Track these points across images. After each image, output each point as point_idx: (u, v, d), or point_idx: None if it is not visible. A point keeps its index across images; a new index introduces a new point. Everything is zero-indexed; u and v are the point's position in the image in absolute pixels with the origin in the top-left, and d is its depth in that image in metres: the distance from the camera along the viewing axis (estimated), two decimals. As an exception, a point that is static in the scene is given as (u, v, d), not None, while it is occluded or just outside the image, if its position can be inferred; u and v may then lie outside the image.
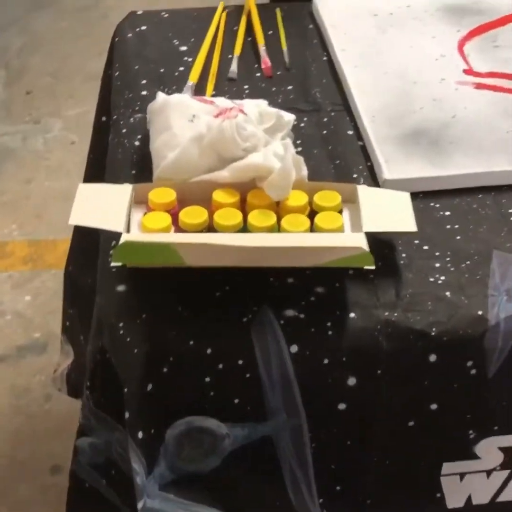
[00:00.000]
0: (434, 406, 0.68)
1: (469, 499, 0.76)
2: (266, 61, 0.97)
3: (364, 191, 0.74)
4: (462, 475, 0.74)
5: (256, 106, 0.81)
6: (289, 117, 0.82)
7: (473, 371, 0.67)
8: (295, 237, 0.67)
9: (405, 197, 0.73)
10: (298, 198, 0.72)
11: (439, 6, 1.05)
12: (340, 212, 0.72)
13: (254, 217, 0.70)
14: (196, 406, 0.66)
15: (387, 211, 0.72)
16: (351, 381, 0.66)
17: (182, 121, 0.78)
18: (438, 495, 0.74)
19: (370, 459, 0.71)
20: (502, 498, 0.76)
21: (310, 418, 0.68)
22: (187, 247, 0.64)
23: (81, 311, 1.12)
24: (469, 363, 0.67)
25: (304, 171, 0.75)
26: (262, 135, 0.75)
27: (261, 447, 0.69)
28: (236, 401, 0.66)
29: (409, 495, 0.75)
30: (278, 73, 0.96)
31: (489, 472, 0.74)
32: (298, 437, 0.68)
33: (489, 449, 0.72)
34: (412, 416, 0.69)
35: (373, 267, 0.65)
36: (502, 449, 0.72)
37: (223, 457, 0.69)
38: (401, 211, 0.71)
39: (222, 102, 0.80)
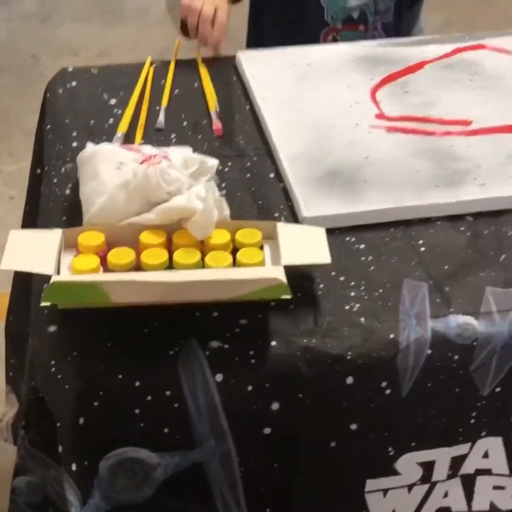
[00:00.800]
0: (354, 426, 0.72)
1: (393, 514, 0.80)
2: (217, 123, 1.01)
3: (283, 228, 0.79)
4: (385, 491, 0.77)
5: (181, 153, 0.86)
6: (212, 162, 0.87)
7: (388, 391, 0.71)
8: (216, 272, 0.72)
9: (321, 232, 0.78)
10: (221, 236, 0.77)
11: (353, 57, 1.13)
12: (261, 247, 0.77)
13: (179, 256, 0.74)
14: (127, 437, 0.69)
15: (304, 245, 0.77)
16: (275, 406, 0.70)
17: (110, 169, 0.82)
18: (364, 512, 0.78)
19: (297, 481, 0.75)
20: (424, 511, 0.80)
21: (237, 443, 0.71)
22: (112, 285, 0.67)
23: (21, 360, 1.14)
24: (384, 384, 0.71)
25: (226, 211, 0.80)
26: (186, 179, 0.80)
27: (192, 474, 0.72)
28: (165, 430, 0.69)
29: (337, 514, 0.78)
30: (204, 122, 1.02)
31: (410, 487, 0.78)
32: (227, 462, 0.72)
33: (409, 465, 0.76)
34: (334, 437, 0.73)
35: (289, 297, 0.70)
36: (420, 464, 0.76)
37: (156, 486, 0.72)
38: (317, 244, 0.77)
39: (148, 149, 0.85)
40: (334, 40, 1.30)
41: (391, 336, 0.72)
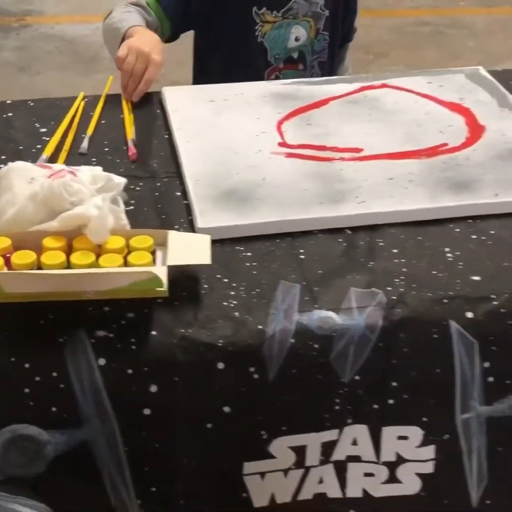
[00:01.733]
0: (227, 409, 0.81)
1: (273, 498, 0.87)
2: (132, 148, 1.11)
3: (173, 236, 0.88)
4: (262, 475, 0.85)
5: (90, 171, 0.96)
6: (119, 180, 0.96)
7: (256, 376, 0.80)
8: (104, 269, 0.81)
9: (206, 238, 0.87)
10: (116, 242, 0.86)
11: (266, 93, 1.24)
12: (154, 252, 0.87)
13: (76, 257, 0.83)
14: (18, 415, 0.77)
15: (190, 249, 0.86)
16: (153, 388, 0.78)
17: (22, 183, 0.92)
18: (244, 494, 0.86)
19: (178, 461, 0.82)
20: (302, 496, 0.87)
21: (120, 423, 0.79)
22: (5, 276, 0.77)
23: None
24: (252, 369, 0.80)
25: (124, 221, 0.90)
26: (87, 191, 0.89)
27: (81, 452, 0.80)
28: (53, 409, 0.77)
29: (218, 495, 0.86)
30: (123, 148, 1.12)
31: (285, 471, 0.86)
32: (112, 441, 0.80)
33: (282, 449, 0.84)
34: (209, 419, 0.81)
35: (164, 290, 0.79)
36: (292, 448, 0.84)
37: (47, 463, 0.79)
38: (201, 249, 0.86)
39: (58, 166, 0.95)
40: (277, 78, 1.44)
41: (260, 327, 0.80)
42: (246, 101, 1.23)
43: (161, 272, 0.79)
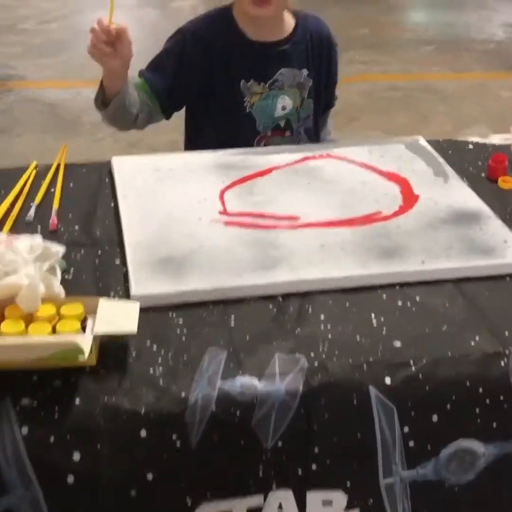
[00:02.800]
0: (150, 476, 0.82)
1: None
2: (54, 218, 1.15)
3: (103, 303, 0.91)
4: (187, 541, 0.86)
5: (29, 239, 0.98)
6: (57, 248, 0.99)
7: (178, 443, 0.82)
8: (23, 338, 0.83)
9: (135, 306, 0.90)
10: (47, 310, 0.88)
11: (211, 163, 1.29)
12: (85, 319, 0.89)
13: (5, 325, 0.86)
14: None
15: (118, 317, 0.89)
16: (76, 456, 0.80)
17: (-39, 253, 0.94)
18: (172, 562, 0.86)
19: (102, 528, 0.83)
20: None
21: (44, 491, 0.80)
22: None
23: None
24: (174, 436, 0.81)
25: (57, 289, 0.92)
26: (22, 260, 0.92)
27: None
28: (-24, 477, 0.78)
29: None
30: (70, 215, 1.16)
31: (211, 538, 0.86)
32: (37, 509, 0.80)
33: (207, 515, 0.85)
34: (132, 486, 0.82)
35: (86, 358, 0.81)
36: (218, 515, 0.85)
37: (-30, 532, 0.80)
38: (130, 317, 0.88)
39: (-2, 236, 0.98)
40: (265, 145, 1.49)
41: (182, 394, 0.82)
42: (191, 170, 1.27)
43: (84, 341, 0.82)
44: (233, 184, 1.23)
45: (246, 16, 1.43)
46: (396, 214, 1.15)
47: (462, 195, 1.20)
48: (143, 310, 0.90)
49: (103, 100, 1.40)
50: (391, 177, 1.25)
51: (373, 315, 0.95)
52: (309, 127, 1.53)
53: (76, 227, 1.13)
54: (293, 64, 1.48)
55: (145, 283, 0.99)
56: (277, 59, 1.47)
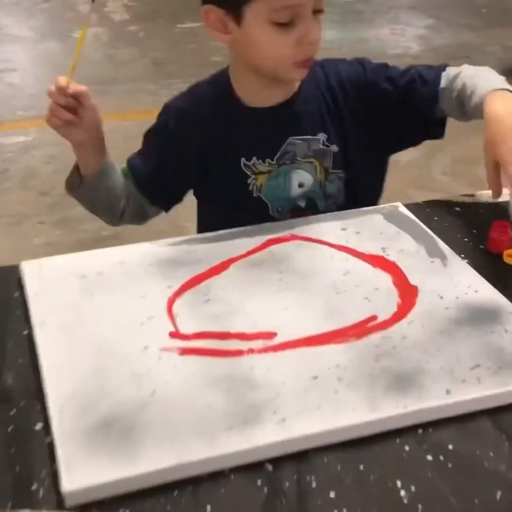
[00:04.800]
0: None
1: None
2: None
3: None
4: None
5: None
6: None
7: None
8: None
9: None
10: None
11: (153, 260, 1.02)
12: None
13: None
14: None
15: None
16: None
17: None
18: None
19: None
20: None
21: None
22: None
23: None
24: None
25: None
26: None
27: None
28: None
29: None
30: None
31: None
32: None
33: None
34: None
35: None
36: None
37: None
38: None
39: None
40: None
41: None
42: (127, 272, 1.00)
43: None
44: (182, 289, 0.96)
45: (246, 77, 1.13)
46: (396, 317, 0.90)
47: (468, 281, 0.96)
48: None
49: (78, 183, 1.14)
50: (377, 262, 1.01)
51: (399, 483, 0.70)
52: (341, 203, 1.19)
53: (-22, 373, 0.85)
54: (304, 129, 1.15)
55: (79, 468, 0.70)
56: (282, 126, 1.15)
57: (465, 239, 1.09)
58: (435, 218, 1.14)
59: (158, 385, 0.80)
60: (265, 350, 0.85)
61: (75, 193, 1.15)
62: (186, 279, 0.98)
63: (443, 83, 1.13)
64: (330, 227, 1.09)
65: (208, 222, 1.21)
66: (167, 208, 1.24)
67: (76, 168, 1.14)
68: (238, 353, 0.85)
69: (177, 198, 1.24)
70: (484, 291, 0.95)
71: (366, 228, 1.09)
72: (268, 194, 1.16)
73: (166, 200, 1.22)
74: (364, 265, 1.00)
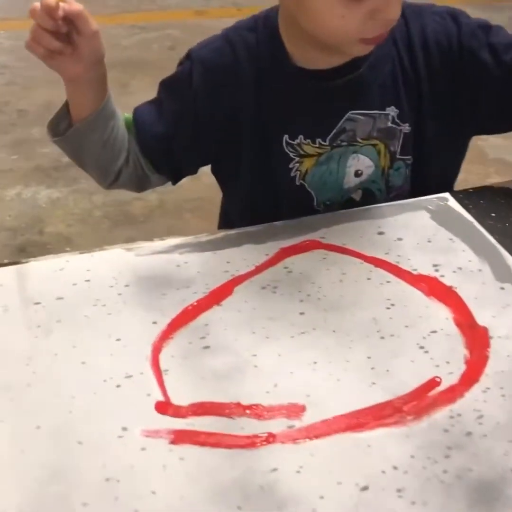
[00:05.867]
0: None
1: None
2: None
3: None
4: None
5: None
6: None
7: None
8: None
9: None
10: None
11: (130, 278, 0.75)
12: None
13: None
14: None
15: None
16: None
17: None
18: None
19: None
20: None
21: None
22: None
23: None
24: None
25: None
26: None
27: None
28: None
29: None
30: None
31: None
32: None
33: None
34: None
35: None
36: None
37: None
38: None
39: None
40: None
41: None
42: (95, 299, 0.74)
43: None
44: (172, 327, 0.71)
45: (299, 38, 0.84)
46: (466, 381, 0.65)
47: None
48: None
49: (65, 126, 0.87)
50: (430, 287, 0.75)
51: None
52: (406, 197, 0.92)
53: None
54: (371, 101, 0.88)
55: None
56: (342, 97, 0.87)
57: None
58: (493, 214, 0.89)
59: (140, 501, 0.56)
60: (292, 437, 0.61)
61: (59, 140, 0.87)
62: (177, 312, 0.72)
63: None
64: (363, 229, 0.84)
65: (232, 215, 0.94)
66: (175, 180, 0.95)
67: (66, 107, 0.86)
68: (253, 443, 0.61)
69: (189, 171, 0.96)
70: None
71: (410, 232, 0.83)
72: (314, 183, 0.89)
73: (175, 170, 0.94)
74: (413, 292, 0.75)
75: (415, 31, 0.87)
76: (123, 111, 0.91)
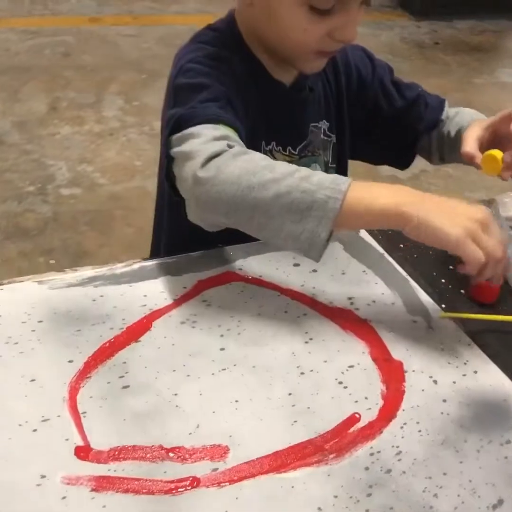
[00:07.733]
0: None
1: None
2: None
3: None
4: None
5: None
6: None
7: None
8: None
9: None
10: None
11: (43, 312, 0.72)
12: None
13: None
14: None
15: None
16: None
17: None
18: None
19: None
20: None
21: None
22: None
23: None
24: None
25: None
26: None
27: None
28: None
29: None
30: None
31: None
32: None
33: None
34: None
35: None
36: None
37: None
38: None
39: None
40: None
41: None
42: (4, 336, 0.69)
43: None
44: (89, 366, 0.69)
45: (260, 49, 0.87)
46: (384, 417, 0.67)
47: (463, 353, 0.75)
48: None
49: None
50: (346, 321, 0.76)
51: None
52: None
53: None
54: (318, 115, 0.95)
55: None
56: (303, 108, 0.92)
57: (442, 280, 0.88)
58: (401, 246, 0.92)
59: (64, 554, 0.54)
60: (217, 480, 0.60)
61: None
62: (94, 349, 0.70)
63: (443, 114, 1.01)
64: (278, 261, 0.84)
65: (176, 238, 0.92)
66: None
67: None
68: (176, 488, 0.59)
69: None
70: (483, 371, 0.74)
71: (324, 263, 0.85)
72: None
73: None
74: (330, 325, 0.77)
75: (339, 59, 0.97)
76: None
